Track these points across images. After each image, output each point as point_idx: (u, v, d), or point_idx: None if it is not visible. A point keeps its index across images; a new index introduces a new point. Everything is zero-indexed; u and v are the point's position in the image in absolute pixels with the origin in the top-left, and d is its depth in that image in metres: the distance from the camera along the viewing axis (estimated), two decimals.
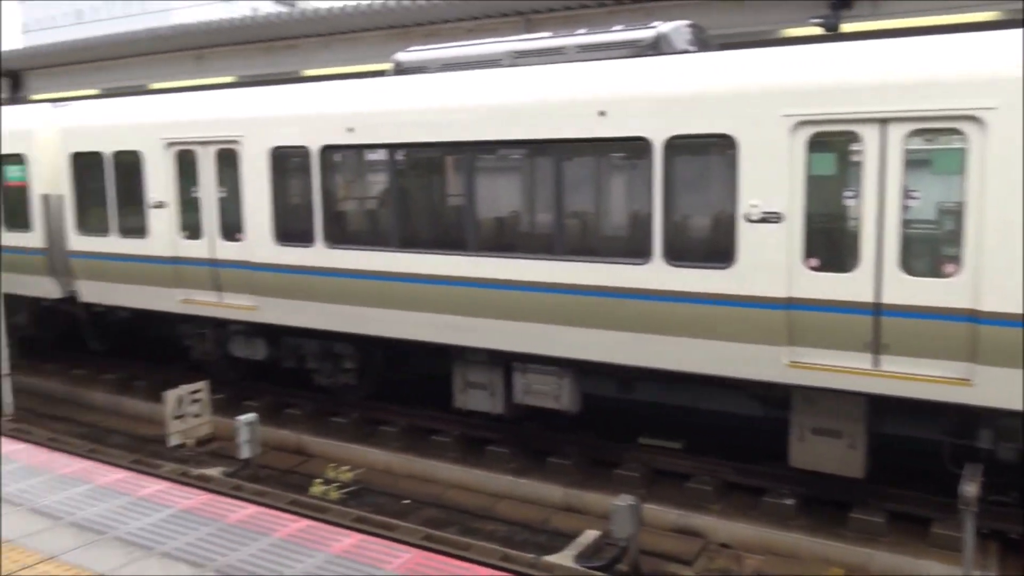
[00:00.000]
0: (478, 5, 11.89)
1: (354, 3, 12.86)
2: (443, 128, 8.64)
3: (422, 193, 9.63)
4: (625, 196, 8.41)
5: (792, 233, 6.96)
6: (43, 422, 11.51)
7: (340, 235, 9.64)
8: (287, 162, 9.93)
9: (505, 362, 8.97)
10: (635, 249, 7.76)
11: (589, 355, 8.16)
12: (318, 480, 9.42)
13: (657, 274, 7.59)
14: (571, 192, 8.25)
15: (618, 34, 8.22)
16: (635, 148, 7.76)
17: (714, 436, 9.28)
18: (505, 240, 8.79)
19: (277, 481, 9.57)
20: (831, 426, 7.45)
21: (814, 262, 6.95)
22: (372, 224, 9.86)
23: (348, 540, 3.95)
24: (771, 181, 6.99)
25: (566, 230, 8.23)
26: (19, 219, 12.52)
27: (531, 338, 8.38)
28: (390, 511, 8.66)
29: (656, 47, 7.96)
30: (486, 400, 9.24)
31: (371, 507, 8.75)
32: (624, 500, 7.07)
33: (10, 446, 5.53)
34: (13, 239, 12.44)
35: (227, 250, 10.41)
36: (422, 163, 9.51)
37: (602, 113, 7.67)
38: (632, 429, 9.56)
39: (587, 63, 8.11)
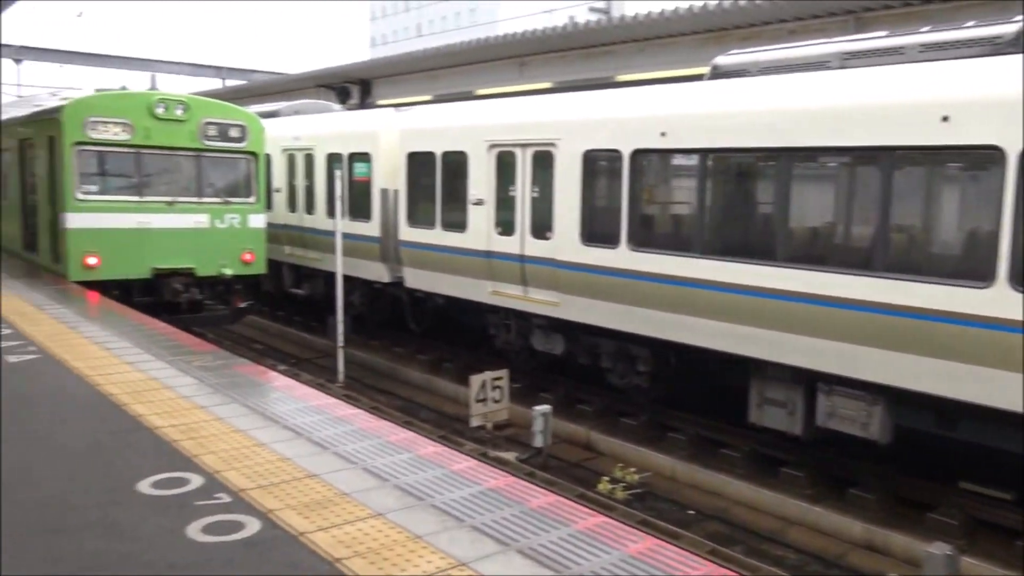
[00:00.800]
0: (804, 5, 11.32)
1: (672, 7, 12.86)
2: (762, 133, 8.34)
3: (732, 200, 9.38)
4: (964, 211, 7.52)
5: None
6: (367, 392, 12.91)
7: (645, 238, 9.70)
8: (598, 165, 10.20)
9: (808, 381, 8.46)
10: (974, 270, 6.92)
11: (907, 383, 7.42)
12: (605, 478, 9.57)
13: (1003, 300, 6.69)
14: (898, 204, 7.56)
15: (971, 30, 7.37)
16: (981, 158, 6.91)
17: None
18: (818, 252, 8.28)
19: (565, 473, 9.88)
20: None
21: None
22: (677, 229, 9.80)
23: (642, 543, 3.95)
24: None
25: (890, 245, 7.56)
26: (361, 210, 14.16)
27: (841, 358, 7.82)
28: (673, 519, 8.57)
29: (1018, 44, 7.02)
30: (784, 419, 8.78)
31: (654, 512, 8.72)
32: (940, 548, 6.36)
33: (346, 410, 6.23)
34: (355, 228, 14.09)
35: (536, 247, 10.93)
36: (735, 169, 9.26)
37: (945, 119, 6.92)
38: (949, 471, 8.56)
39: (930, 63, 7.37)
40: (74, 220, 12.06)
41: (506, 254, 11.40)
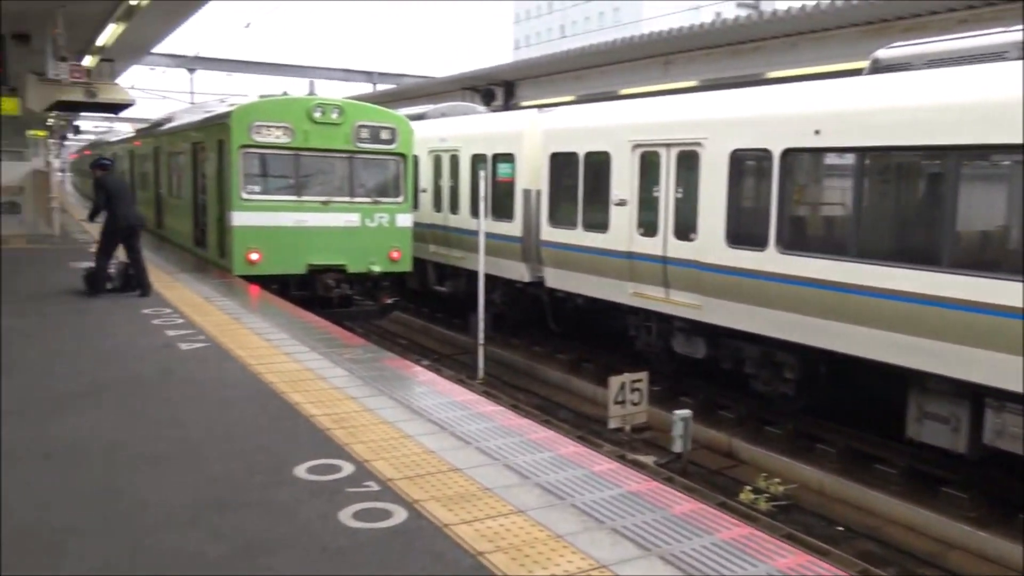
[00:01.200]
0: None
1: (826, 1, 12.30)
2: (927, 131, 7.84)
3: (891, 201, 8.88)
4: None
5: None
6: (506, 390, 13.09)
7: (795, 241, 9.33)
8: (746, 165, 9.90)
9: (975, 395, 7.88)
10: None
11: None
12: (747, 487, 9.28)
13: None
14: None
15: None
16: None
17: None
18: (990, 258, 7.70)
19: (705, 480, 9.66)
20: None
21: None
22: (830, 231, 9.37)
23: (791, 558, 3.80)
24: None
25: None
26: (504, 210, 14.37)
27: (1015, 373, 7.23)
28: (820, 535, 8.20)
29: None
30: (946, 435, 8.22)
31: (800, 526, 8.38)
32: None
33: (488, 406, 6.33)
34: (497, 227, 14.31)
35: (679, 249, 10.74)
36: (896, 169, 8.75)
37: None
38: None
39: None
40: (239, 218, 12.89)
41: (648, 255, 11.26)
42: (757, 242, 9.57)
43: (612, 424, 10.82)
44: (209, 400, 6.32)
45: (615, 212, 11.78)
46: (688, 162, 10.62)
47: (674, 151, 10.83)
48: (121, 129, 36.47)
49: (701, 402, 11.46)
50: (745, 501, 8.88)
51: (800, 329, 9.19)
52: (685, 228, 10.67)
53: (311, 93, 14.52)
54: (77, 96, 12.80)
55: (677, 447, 9.58)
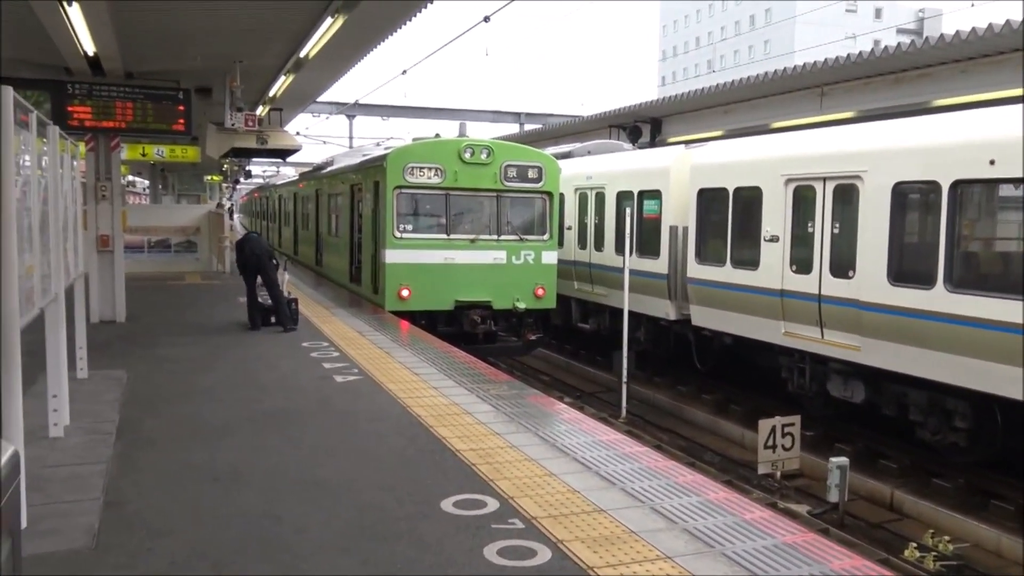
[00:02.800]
0: None
1: (1002, 22, 11.52)
2: None
3: None
4: None
5: None
6: (649, 429, 12.83)
7: (966, 278, 8.69)
8: (910, 198, 9.35)
9: None
10: None
11: None
12: (912, 544, 8.61)
13: None
14: None
15: None
16: None
17: None
18: None
19: (864, 534, 9.05)
20: None
21: None
22: (1006, 268, 8.66)
23: None
24: None
25: None
26: (649, 247, 14.22)
27: None
28: None
29: None
30: None
31: None
32: None
33: (633, 447, 6.22)
34: (642, 264, 14.17)
35: (835, 287, 10.24)
36: None
37: None
38: None
39: None
40: (391, 256, 13.42)
41: (801, 293, 10.80)
42: (923, 280, 8.98)
43: (762, 469, 10.36)
44: (362, 432, 6.55)
45: (766, 248, 11.40)
46: (845, 196, 10.15)
47: (830, 184, 10.39)
48: (286, 172, 39.01)
49: (859, 450, 10.79)
50: (910, 559, 8.23)
51: (973, 373, 8.51)
52: (842, 265, 10.16)
53: (461, 134, 14.98)
54: (250, 143, 13.83)
55: (833, 497, 9.03)
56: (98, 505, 4.83)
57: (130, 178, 42.44)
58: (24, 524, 4.30)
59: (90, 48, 10.14)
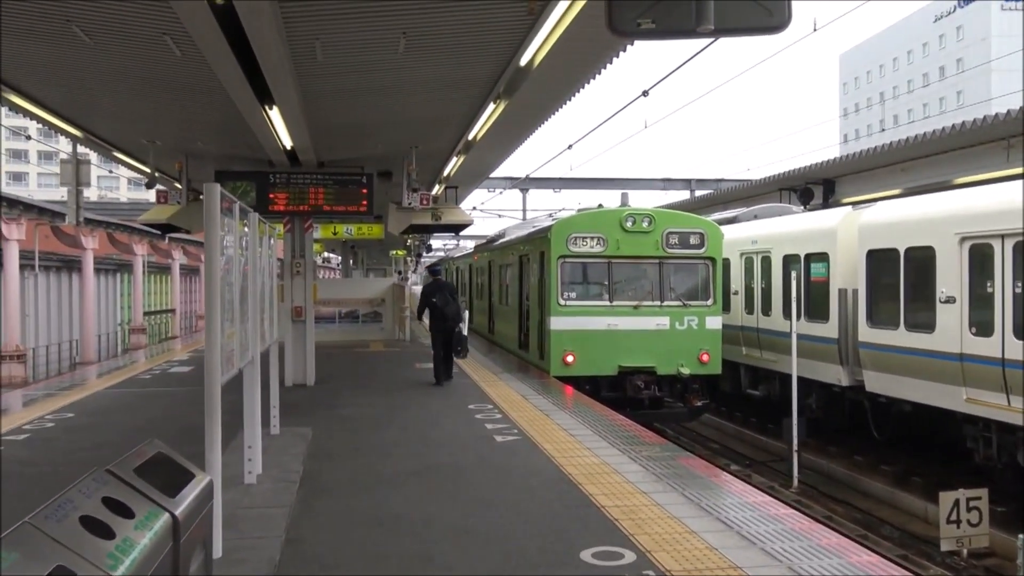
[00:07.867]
0: None
1: None
2: None
3: None
4: None
5: None
6: (822, 500, 12.30)
7: None
8: None
9: None
10: None
11: None
12: None
13: None
14: None
15: None
16: None
17: None
18: None
19: None
20: None
21: None
22: None
23: None
24: None
25: None
26: (817, 311, 13.85)
27: None
28: None
29: None
30: None
31: None
32: None
33: (779, 509, 6.21)
34: (811, 328, 13.80)
35: (1020, 350, 9.59)
36: None
37: None
38: None
39: None
40: (557, 323, 13.91)
41: (983, 357, 10.17)
42: None
43: (945, 546, 9.70)
44: (515, 486, 6.94)
45: (941, 310, 10.86)
46: None
47: (1010, 242, 9.84)
48: (465, 245, 41.01)
49: None
50: None
51: None
52: None
53: (624, 204, 15.40)
54: (426, 219, 14.96)
55: None
56: (280, 542, 5.49)
57: (325, 255, 46.17)
58: (219, 554, 5.00)
59: (288, 143, 11.55)
